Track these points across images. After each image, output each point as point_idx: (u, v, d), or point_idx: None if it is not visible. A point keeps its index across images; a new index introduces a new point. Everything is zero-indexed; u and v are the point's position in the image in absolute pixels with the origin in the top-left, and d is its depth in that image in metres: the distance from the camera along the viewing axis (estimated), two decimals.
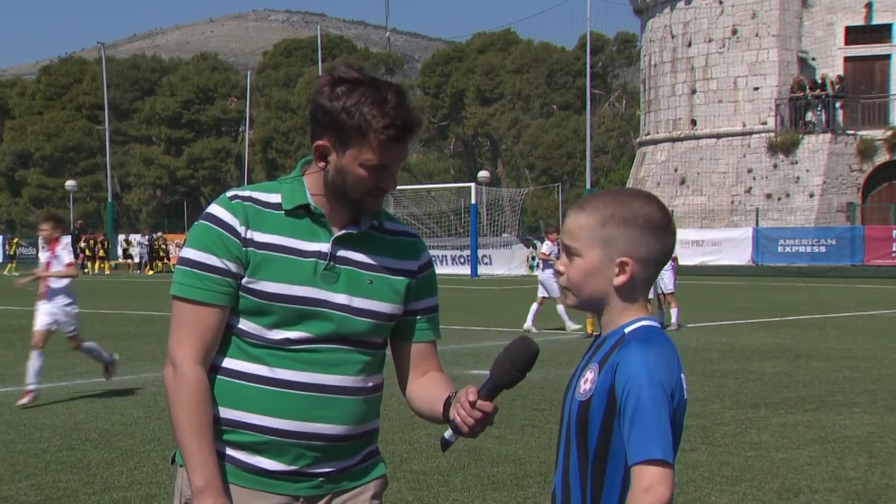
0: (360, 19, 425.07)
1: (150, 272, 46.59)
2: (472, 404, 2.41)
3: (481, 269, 39.53)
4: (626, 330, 2.25)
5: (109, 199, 60.60)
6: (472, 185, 40.73)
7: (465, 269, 38.75)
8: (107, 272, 47.57)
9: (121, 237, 55.92)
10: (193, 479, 2.45)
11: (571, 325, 16.87)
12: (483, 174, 50.88)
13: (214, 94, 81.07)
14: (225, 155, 78.62)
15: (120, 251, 53.77)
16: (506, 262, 40.44)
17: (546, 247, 17.65)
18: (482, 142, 79.57)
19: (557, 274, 2.35)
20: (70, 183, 63.78)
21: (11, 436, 8.37)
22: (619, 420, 2.16)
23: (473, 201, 39.32)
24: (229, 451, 2.53)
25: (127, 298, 26.80)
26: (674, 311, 17.21)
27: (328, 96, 2.48)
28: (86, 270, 46.49)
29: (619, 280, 2.25)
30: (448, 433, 2.46)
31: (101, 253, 48.61)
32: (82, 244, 47.67)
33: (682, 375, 2.22)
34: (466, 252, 39.93)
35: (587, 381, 2.24)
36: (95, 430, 8.58)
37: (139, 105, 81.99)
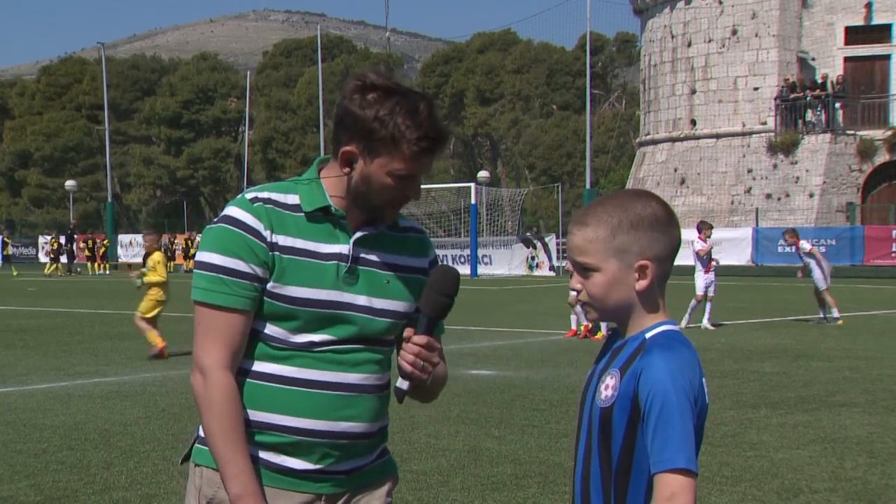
0: (360, 19, 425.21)
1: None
2: (408, 340, 2.46)
3: (481, 269, 39.52)
4: (647, 335, 2.24)
5: (109, 199, 60.51)
6: (472, 185, 40.71)
7: (465, 269, 38.71)
8: (107, 272, 47.56)
9: (126, 238, 55.94)
10: (231, 488, 2.45)
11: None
12: (483, 174, 50.86)
13: (214, 94, 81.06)
14: (225, 155, 78.57)
15: (120, 251, 53.76)
16: (506, 262, 40.43)
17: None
18: (482, 142, 79.57)
19: (575, 291, 2.35)
20: (70, 183, 63.75)
21: (11, 436, 8.37)
22: (643, 427, 2.15)
23: (473, 201, 39.30)
24: (258, 453, 2.53)
25: (127, 299, 26.78)
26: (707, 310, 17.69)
27: (359, 103, 2.47)
28: (78, 270, 46.50)
29: (642, 284, 2.24)
30: (399, 381, 2.50)
31: (102, 251, 48.64)
32: (82, 244, 47.68)
33: (703, 380, 2.22)
34: (466, 252, 39.92)
35: (608, 388, 2.22)
36: (95, 430, 8.58)
37: (139, 105, 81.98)
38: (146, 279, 13.74)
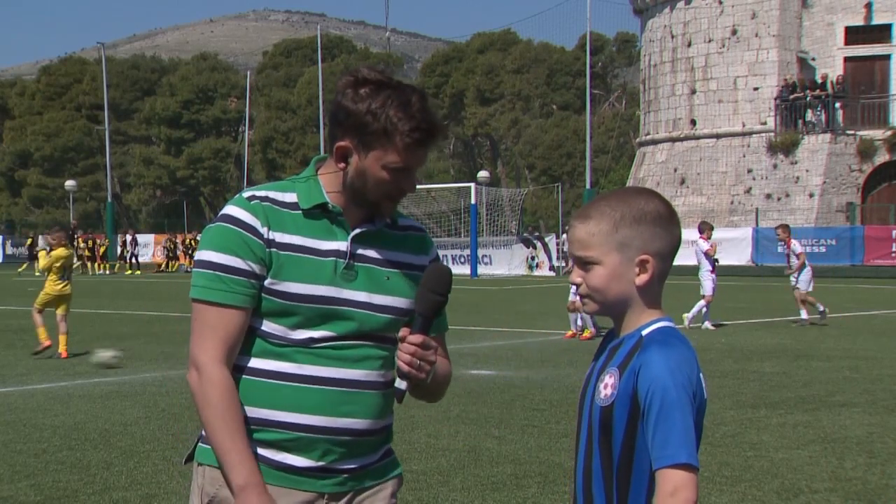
0: (360, 19, 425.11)
1: (131, 272, 46.52)
2: (403, 340, 2.46)
3: (481, 269, 39.51)
4: (644, 332, 2.24)
5: (109, 200, 60.54)
6: (472, 185, 40.69)
7: (465, 269, 38.72)
8: (106, 272, 47.56)
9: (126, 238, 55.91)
10: (233, 479, 2.45)
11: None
12: (483, 174, 50.85)
13: (214, 94, 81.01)
14: (225, 155, 78.55)
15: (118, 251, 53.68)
16: (506, 262, 40.42)
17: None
18: (482, 142, 79.55)
19: (574, 285, 2.35)
20: (70, 183, 63.72)
21: (11, 436, 8.37)
22: (643, 423, 2.15)
23: (473, 201, 39.29)
24: (258, 450, 2.53)
25: (127, 298, 26.79)
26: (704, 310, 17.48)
27: (351, 98, 2.48)
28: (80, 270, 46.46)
29: (642, 279, 2.25)
30: (397, 381, 2.50)
31: (102, 251, 48.61)
32: (81, 244, 47.62)
33: (701, 375, 2.22)
34: (466, 252, 39.91)
35: (607, 387, 2.23)
36: (95, 430, 8.58)
37: (139, 105, 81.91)
38: (40, 256, 14.32)
